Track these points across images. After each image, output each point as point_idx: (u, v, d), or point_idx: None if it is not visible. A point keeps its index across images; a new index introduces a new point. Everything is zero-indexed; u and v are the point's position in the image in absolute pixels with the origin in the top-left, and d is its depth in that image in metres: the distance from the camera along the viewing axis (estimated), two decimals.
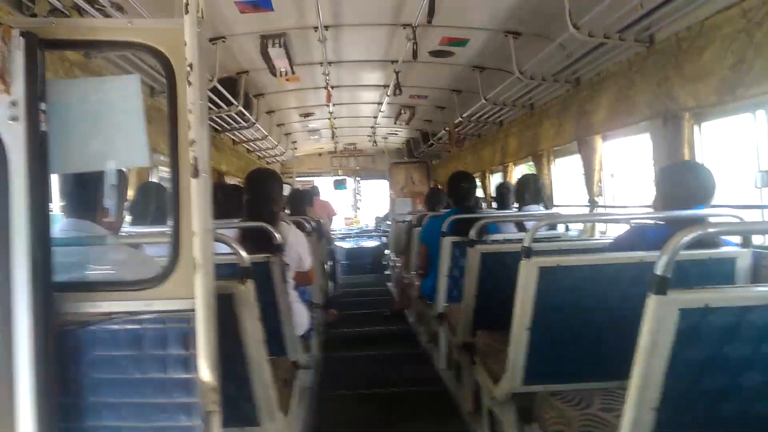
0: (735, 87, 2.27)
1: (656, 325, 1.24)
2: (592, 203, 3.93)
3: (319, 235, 5.39)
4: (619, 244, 2.44)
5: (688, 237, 1.19)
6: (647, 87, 2.95)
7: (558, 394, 2.02)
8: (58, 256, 1.38)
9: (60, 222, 1.66)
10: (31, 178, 1.30)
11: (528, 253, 2.10)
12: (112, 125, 1.47)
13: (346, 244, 9.64)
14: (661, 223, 2.35)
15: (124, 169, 1.97)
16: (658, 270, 1.22)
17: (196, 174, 1.37)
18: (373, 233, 10.28)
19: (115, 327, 1.46)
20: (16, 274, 1.32)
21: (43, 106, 1.35)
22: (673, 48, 2.70)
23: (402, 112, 7.19)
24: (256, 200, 2.90)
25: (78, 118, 1.44)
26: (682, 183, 2.27)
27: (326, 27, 3.89)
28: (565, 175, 5.16)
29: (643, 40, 2.96)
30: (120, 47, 1.45)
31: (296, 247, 3.06)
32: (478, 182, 6.94)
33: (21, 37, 1.31)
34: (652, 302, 1.24)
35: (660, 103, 2.82)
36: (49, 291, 1.36)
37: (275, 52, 4.12)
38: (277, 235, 2.57)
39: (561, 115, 4.26)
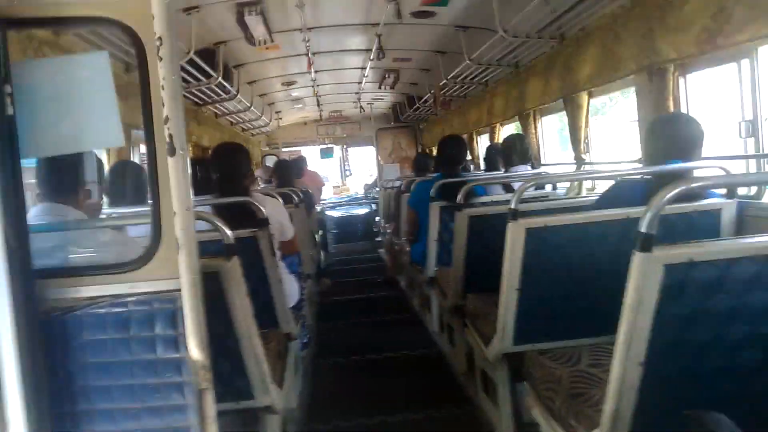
0: (715, 36, 2.24)
1: (642, 282, 1.25)
2: (579, 161, 3.92)
3: (308, 205, 5.36)
4: (604, 201, 2.44)
5: (671, 193, 1.18)
6: (632, 40, 2.90)
7: (547, 353, 2.05)
8: (36, 242, 1.36)
9: (33, 208, 1.63)
10: (0, 164, 1.26)
11: (515, 214, 2.10)
12: (82, 106, 1.42)
13: (336, 213, 9.63)
14: (648, 177, 2.35)
15: (95, 151, 1.92)
16: (643, 227, 1.21)
17: (173, 152, 1.33)
18: (363, 201, 10.26)
19: (101, 311, 1.44)
20: None
21: (8, 88, 1.30)
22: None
23: (386, 76, 7.07)
24: (229, 176, 2.83)
25: (46, 99, 1.39)
26: (669, 135, 2.25)
27: None
28: (550, 134, 5.14)
29: None
30: (86, 23, 1.40)
31: (276, 216, 3.03)
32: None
33: None
34: (637, 259, 1.24)
35: (644, 57, 2.78)
36: (29, 279, 1.34)
37: (252, 20, 4.00)
38: (262, 209, 2.54)
39: (547, 73, 4.21)
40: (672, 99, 2.75)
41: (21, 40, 2.33)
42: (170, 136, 1.34)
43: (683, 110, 2.80)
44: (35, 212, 1.62)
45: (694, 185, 1.30)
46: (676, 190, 1.19)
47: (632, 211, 2.08)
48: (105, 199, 2.60)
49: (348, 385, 3.41)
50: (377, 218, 9.03)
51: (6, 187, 1.26)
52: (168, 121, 1.34)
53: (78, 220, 1.66)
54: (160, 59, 1.32)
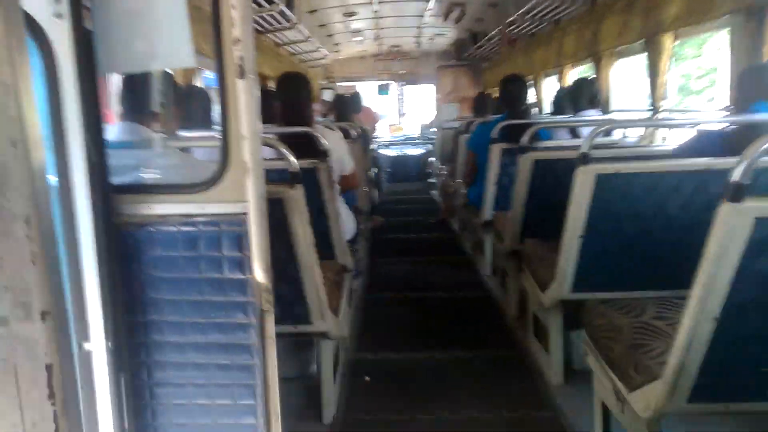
0: None
1: (727, 234, 1.17)
2: (655, 108, 3.68)
3: (364, 142, 5.33)
4: (683, 151, 2.30)
5: None
6: None
7: (608, 302, 2.00)
8: (112, 159, 1.40)
9: (113, 126, 1.67)
10: (81, 78, 1.29)
11: (585, 159, 2.01)
12: (156, 24, 1.42)
13: (391, 152, 9.56)
14: (734, 128, 2.18)
15: (170, 71, 1.94)
16: (736, 176, 1.13)
17: (242, 74, 1.32)
18: (418, 141, 10.12)
19: (172, 228, 1.49)
20: (75, 176, 1.34)
21: (87, 2, 1.31)
22: None
23: (452, 9, 6.76)
24: (293, 105, 2.82)
25: (122, 16, 1.39)
26: (760, 83, 2.07)
27: None
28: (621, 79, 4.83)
29: None
30: None
31: (337, 149, 3.02)
32: (531, 86, 6.60)
33: None
34: (725, 210, 1.16)
35: None
36: (106, 193, 1.39)
37: None
38: (323, 141, 2.53)
39: (627, 11, 3.90)
40: None
41: None
42: (240, 58, 1.32)
43: None
44: (116, 130, 1.67)
45: None
46: None
47: (715, 162, 1.95)
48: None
49: (397, 320, 3.48)
50: (431, 159, 8.91)
51: (87, 102, 1.29)
52: (238, 43, 1.32)
53: (152, 139, 1.69)
54: None
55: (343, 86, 10.33)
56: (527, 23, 5.91)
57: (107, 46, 1.36)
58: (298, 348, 2.62)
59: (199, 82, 3.79)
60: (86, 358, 1.39)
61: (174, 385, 1.49)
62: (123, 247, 1.48)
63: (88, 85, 1.29)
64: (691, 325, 1.29)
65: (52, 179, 1.27)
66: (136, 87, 1.66)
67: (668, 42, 3.50)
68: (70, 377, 1.27)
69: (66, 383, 1.19)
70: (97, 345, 1.44)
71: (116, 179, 1.46)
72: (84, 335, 1.44)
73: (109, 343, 1.45)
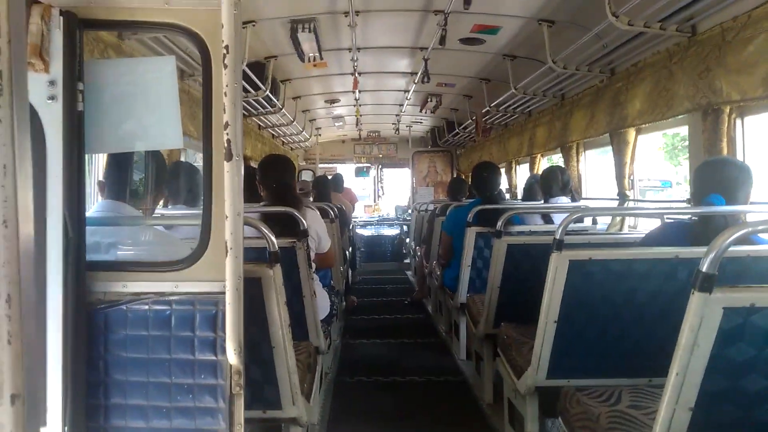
0: None
1: (699, 323, 1.20)
2: (623, 197, 3.84)
3: (342, 222, 5.39)
4: (651, 239, 2.38)
5: (736, 234, 1.14)
6: (687, 79, 2.85)
7: (584, 389, 1.99)
8: (91, 236, 1.39)
9: (97, 203, 1.68)
10: (67, 157, 1.31)
11: (560, 245, 2.06)
12: (146, 106, 1.47)
13: (367, 232, 9.64)
14: (694, 219, 2.29)
15: (162, 152, 1.98)
16: (704, 267, 1.17)
17: (229, 157, 1.36)
18: (394, 221, 10.27)
19: (144, 307, 1.47)
20: (51, 252, 1.33)
21: (80, 86, 1.36)
22: (716, 39, 2.60)
23: (428, 100, 7.12)
24: (279, 186, 2.90)
25: (113, 98, 1.44)
26: (718, 179, 2.19)
27: (357, 12, 3.85)
28: (591, 169, 5.06)
29: (684, 30, 2.86)
30: (157, 28, 1.45)
31: (314, 227, 3.06)
32: (503, 173, 6.86)
33: (60, 17, 1.31)
34: (695, 299, 1.19)
35: (701, 96, 2.73)
36: (81, 269, 1.37)
37: (304, 37, 4.09)
38: (303, 221, 2.56)
39: (593, 106, 4.17)
40: (727, 140, 2.68)
41: (88, 41, 2.43)
42: (228, 141, 1.37)
43: (738, 153, 2.73)
44: (97, 208, 1.67)
45: (760, 228, 1.25)
46: (742, 232, 1.15)
47: (681, 251, 2.02)
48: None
49: (369, 405, 3.36)
50: (407, 240, 9.00)
51: (71, 180, 1.31)
52: (228, 127, 1.37)
53: (131, 217, 1.70)
54: (225, 66, 1.35)
55: (323, 168, 10.57)
56: (500, 114, 6.23)
57: (97, 126, 1.39)
58: None
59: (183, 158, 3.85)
60: None
61: None
62: (93, 325, 1.44)
63: (75, 163, 1.31)
64: (668, 415, 1.28)
65: None
66: (120, 165, 1.68)
67: (631, 136, 3.72)
68: None
69: None
70: (54, 430, 1.36)
71: (94, 256, 1.44)
72: (41, 419, 1.37)
73: (66, 428, 1.38)
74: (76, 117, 1.32)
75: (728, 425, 1.32)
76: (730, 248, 1.15)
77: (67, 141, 1.31)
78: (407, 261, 8.88)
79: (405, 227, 9.54)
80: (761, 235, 2.21)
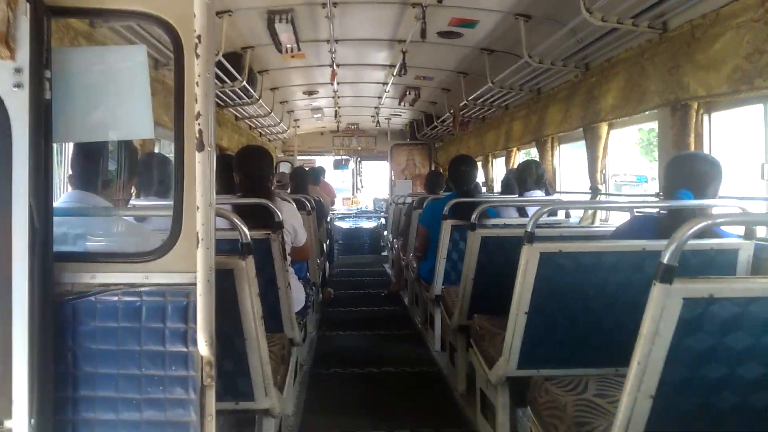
0: (752, 77, 2.24)
1: (659, 313, 1.24)
2: (595, 190, 3.91)
3: (319, 214, 5.38)
4: (621, 233, 2.44)
5: (696, 227, 1.18)
6: (658, 75, 2.91)
7: (552, 379, 2.03)
8: (59, 226, 1.37)
9: (66, 193, 1.65)
10: (33, 146, 1.29)
11: (530, 238, 2.10)
12: (116, 96, 1.45)
13: (344, 224, 9.64)
14: (663, 213, 2.34)
15: (133, 142, 1.95)
16: (665, 259, 1.21)
17: (201, 147, 1.35)
18: (372, 214, 10.28)
19: (114, 298, 1.45)
20: (17, 243, 1.31)
21: (47, 74, 1.33)
22: (686, 35, 2.66)
23: (407, 93, 7.13)
24: (252, 177, 2.86)
25: (82, 87, 1.42)
26: (688, 173, 2.25)
27: (335, 4, 3.83)
28: (567, 163, 5.14)
29: (656, 27, 2.92)
30: (127, 17, 1.42)
31: (290, 221, 3.05)
32: (480, 167, 6.91)
33: (27, 3, 1.29)
34: (656, 290, 1.23)
35: (670, 91, 2.79)
36: (49, 260, 1.35)
37: (282, 28, 4.06)
38: (279, 213, 2.55)
39: (568, 101, 4.22)
40: (694, 136, 2.75)
41: (58, 28, 2.38)
42: (200, 132, 1.36)
43: (705, 148, 2.80)
44: (65, 198, 1.64)
45: (720, 221, 1.29)
46: (702, 224, 1.19)
47: (648, 244, 2.07)
48: (134, 191, 2.63)
49: (344, 396, 3.38)
50: (384, 233, 9.02)
51: (37, 170, 1.28)
52: (199, 117, 1.36)
53: (100, 207, 1.67)
54: (197, 56, 1.34)
55: (301, 160, 10.52)
56: (478, 108, 6.27)
57: (65, 115, 1.37)
58: (239, 426, 2.49)
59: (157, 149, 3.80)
60: None
61: None
62: (60, 317, 1.42)
63: (41, 152, 1.29)
64: (629, 403, 1.32)
65: None
66: (89, 155, 1.66)
67: (604, 131, 3.79)
68: None
69: None
70: (19, 423, 1.35)
71: (62, 247, 1.42)
72: (6, 412, 1.35)
73: (32, 421, 1.36)
74: (43, 105, 1.30)
75: (688, 413, 1.36)
76: (695, 241, 1.19)
77: (33, 130, 1.28)
78: (385, 253, 8.91)
79: (383, 220, 9.56)
80: (726, 229, 2.28)
